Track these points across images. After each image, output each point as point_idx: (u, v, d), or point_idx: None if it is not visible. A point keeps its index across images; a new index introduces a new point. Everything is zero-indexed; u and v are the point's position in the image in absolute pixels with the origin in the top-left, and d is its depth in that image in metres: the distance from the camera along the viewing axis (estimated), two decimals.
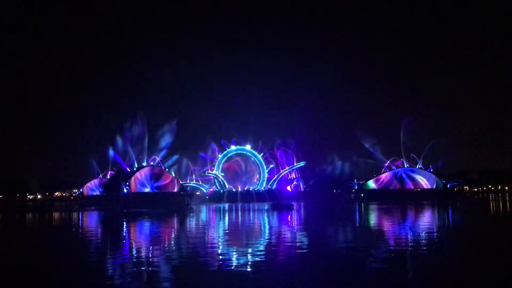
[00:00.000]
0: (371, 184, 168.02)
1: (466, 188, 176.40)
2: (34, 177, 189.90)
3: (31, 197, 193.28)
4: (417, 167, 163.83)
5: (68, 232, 46.95)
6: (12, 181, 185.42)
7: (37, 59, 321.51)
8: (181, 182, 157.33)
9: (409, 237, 33.33)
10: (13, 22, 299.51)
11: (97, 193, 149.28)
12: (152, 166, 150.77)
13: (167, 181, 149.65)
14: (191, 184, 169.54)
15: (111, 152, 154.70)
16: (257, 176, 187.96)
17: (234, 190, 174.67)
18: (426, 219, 53.39)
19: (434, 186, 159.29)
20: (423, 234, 34.83)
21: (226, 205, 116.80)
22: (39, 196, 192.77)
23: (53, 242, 35.88)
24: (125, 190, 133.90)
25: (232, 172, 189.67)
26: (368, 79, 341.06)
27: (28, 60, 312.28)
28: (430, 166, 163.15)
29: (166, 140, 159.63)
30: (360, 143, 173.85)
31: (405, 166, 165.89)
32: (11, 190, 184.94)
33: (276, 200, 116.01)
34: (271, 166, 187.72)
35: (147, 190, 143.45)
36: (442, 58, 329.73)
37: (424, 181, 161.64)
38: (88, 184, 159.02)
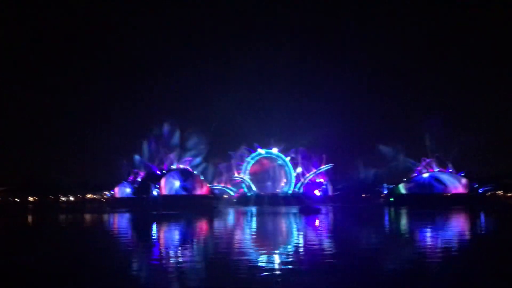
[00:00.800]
0: (401, 188, 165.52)
1: (500, 193, 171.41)
2: (67, 179, 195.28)
3: (64, 198, 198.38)
4: (449, 170, 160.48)
5: (100, 233, 48.20)
6: (45, 183, 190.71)
7: (70, 63, 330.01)
8: (209, 185, 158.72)
9: (440, 243, 32.94)
10: (41, 24, 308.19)
11: (128, 195, 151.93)
12: (182, 169, 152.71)
13: (196, 183, 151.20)
14: (218, 187, 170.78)
15: (138, 157, 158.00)
16: (285, 180, 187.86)
17: (261, 193, 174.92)
18: (457, 225, 52.46)
19: (466, 191, 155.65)
20: (455, 241, 34.34)
21: (253, 209, 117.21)
22: (71, 198, 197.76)
23: (85, 243, 36.94)
24: (155, 193, 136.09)
25: (260, 175, 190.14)
26: (395, 78, 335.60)
27: (62, 65, 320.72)
28: (461, 170, 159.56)
29: (195, 143, 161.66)
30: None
31: (436, 170, 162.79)
32: (45, 192, 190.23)
33: (304, 204, 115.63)
34: (299, 169, 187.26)
35: (176, 192, 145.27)
36: (475, 48, 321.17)
37: (455, 185, 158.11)
38: (119, 187, 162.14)
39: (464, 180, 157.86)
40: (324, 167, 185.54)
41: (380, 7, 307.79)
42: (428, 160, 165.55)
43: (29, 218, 79.06)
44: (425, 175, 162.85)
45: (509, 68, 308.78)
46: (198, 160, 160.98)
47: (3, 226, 60.22)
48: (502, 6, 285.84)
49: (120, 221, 66.91)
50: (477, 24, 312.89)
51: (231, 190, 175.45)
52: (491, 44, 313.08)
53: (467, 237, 37.01)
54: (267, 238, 38.53)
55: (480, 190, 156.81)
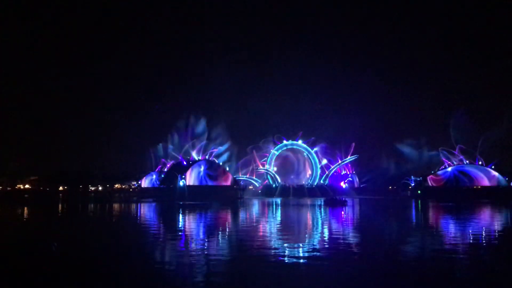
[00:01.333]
0: (429, 181, 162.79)
1: None
2: (96, 169, 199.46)
3: (93, 188, 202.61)
4: (479, 163, 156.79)
5: (128, 222, 49.09)
6: (75, 173, 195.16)
7: (101, 55, 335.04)
8: (234, 176, 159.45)
9: (467, 237, 32.32)
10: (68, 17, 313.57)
11: (154, 185, 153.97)
12: (207, 160, 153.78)
13: (221, 174, 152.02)
14: (243, 178, 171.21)
15: (165, 147, 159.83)
16: (310, 171, 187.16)
17: (286, 185, 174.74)
18: (486, 219, 51.26)
19: (496, 184, 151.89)
20: (483, 235, 33.62)
21: (279, 200, 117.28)
22: (100, 188, 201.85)
23: (114, 231, 37.66)
24: (181, 183, 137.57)
25: (285, 167, 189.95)
26: (421, 72, 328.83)
27: (94, 57, 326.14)
28: (492, 162, 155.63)
29: (221, 135, 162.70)
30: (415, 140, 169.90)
31: (465, 163, 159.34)
32: (74, 182, 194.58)
33: (329, 196, 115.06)
34: (324, 161, 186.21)
35: (201, 183, 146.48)
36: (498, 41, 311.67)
37: (484, 178, 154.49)
38: (146, 177, 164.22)
39: (494, 173, 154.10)
40: (349, 158, 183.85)
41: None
42: (456, 152, 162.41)
43: (59, 207, 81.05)
44: (453, 168, 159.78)
45: None
46: (223, 150, 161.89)
47: (35, 214, 61.94)
48: None
49: (147, 211, 67.93)
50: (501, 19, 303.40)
51: (256, 181, 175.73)
52: None
53: (490, 232, 36.13)
54: (291, 230, 38.51)
55: (511, 183, 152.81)
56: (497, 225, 42.37)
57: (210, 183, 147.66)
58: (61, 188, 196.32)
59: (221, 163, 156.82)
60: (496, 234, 34.47)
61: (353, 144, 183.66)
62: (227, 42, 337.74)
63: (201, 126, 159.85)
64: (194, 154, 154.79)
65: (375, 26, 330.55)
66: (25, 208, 74.16)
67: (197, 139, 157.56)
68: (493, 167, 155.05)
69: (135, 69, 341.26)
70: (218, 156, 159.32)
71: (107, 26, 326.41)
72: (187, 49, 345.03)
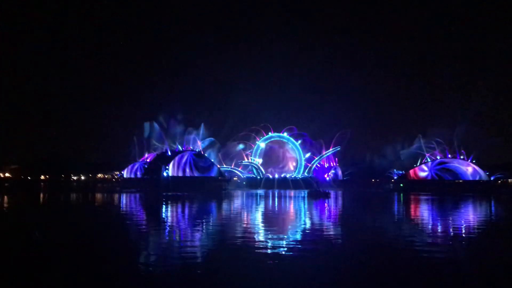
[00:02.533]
0: (411, 174, 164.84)
1: (511, 181, 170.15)
2: (79, 159, 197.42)
3: (75, 178, 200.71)
4: (461, 157, 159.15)
5: (111, 212, 48.77)
6: (57, 162, 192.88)
7: (86, 47, 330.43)
8: (219, 167, 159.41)
9: (448, 229, 32.86)
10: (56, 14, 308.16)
11: (138, 175, 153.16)
12: (192, 150, 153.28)
13: (206, 165, 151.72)
14: (227, 169, 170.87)
15: (149, 137, 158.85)
16: (294, 164, 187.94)
17: (270, 176, 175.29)
18: (466, 212, 52.13)
19: (477, 178, 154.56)
20: (463, 227, 34.20)
21: (263, 192, 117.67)
22: (82, 178, 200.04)
23: (96, 221, 37.41)
24: (165, 174, 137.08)
25: (269, 158, 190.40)
26: (400, 69, 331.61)
27: (78, 48, 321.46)
28: (473, 157, 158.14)
29: (206, 126, 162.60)
30: (400, 133, 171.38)
31: (447, 157, 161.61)
32: (56, 171, 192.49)
33: (313, 188, 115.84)
34: (309, 154, 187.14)
35: (186, 174, 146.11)
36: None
37: (466, 172, 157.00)
38: (130, 167, 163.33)
39: (475, 167, 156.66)
40: (332, 150, 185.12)
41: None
42: (439, 146, 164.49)
43: (41, 196, 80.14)
44: (435, 161, 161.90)
45: None
46: (208, 141, 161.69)
47: (15, 203, 61.17)
48: None
49: (130, 201, 67.58)
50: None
51: (240, 172, 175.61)
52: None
53: (471, 224, 36.81)
54: (273, 221, 38.71)
55: (492, 177, 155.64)
56: (475, 218, 43.11)
57: (195, 174, 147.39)
58: (42, 177, 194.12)
59: (206, 154, 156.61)
60: (474, 227, 35.06)
61: (338, 134, 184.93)
62: (213, 35, 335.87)
63: (186, 117, 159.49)
64: (179, 145, 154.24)
65: (361, 23, 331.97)
66: (5, 197, 73.12)
67: (182, 130, 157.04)
68: (474, 161, 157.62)
69: (121, 56, 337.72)
70: (203, 147, 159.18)
71: (91, 13, 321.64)
72: (175, 39, 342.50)
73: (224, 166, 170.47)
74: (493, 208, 59.18)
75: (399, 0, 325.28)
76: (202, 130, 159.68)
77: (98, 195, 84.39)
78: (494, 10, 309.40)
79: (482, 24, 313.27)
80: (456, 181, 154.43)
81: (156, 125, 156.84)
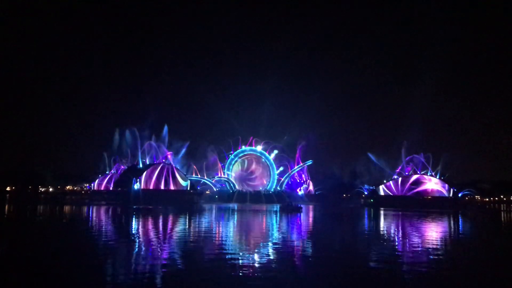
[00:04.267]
0: (381, 189, 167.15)
1: (478, 198, 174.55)
2: (47, 170, 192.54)
3: (43, 189, 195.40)
4: (428, 174, 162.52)
5: (78, 226, 47.59)
6: (25, 173, 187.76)
7: (53, 54, 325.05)
8: (190, 177, 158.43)
9: (415, 245, 33.29)
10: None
11: (108, 188, 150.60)
12: (164, 163, 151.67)
13: (177, 178, 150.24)
14: (198, 179, 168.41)
15: (120, 150, 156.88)
16: (267, 178, 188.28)
17: (243, 190, 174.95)
18: (434, 227, 53.03)
19: (445, 194, 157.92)
20: (431, 242, 34.71)
21: (235, 206, 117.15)
22: (51, 189, 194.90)
23: (63, 235, 36.45)
24: (135, 186, 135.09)
25: (242, 172, 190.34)
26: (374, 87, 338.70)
27: (45, 55, 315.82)
28: (441, 174, 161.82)
29: (179, 139, 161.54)
30: (369, 151, 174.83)
31: (417, 173, 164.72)
32: (24, 182, 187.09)
33: (285, 202, 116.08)
34: (281, 168, 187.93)
35: (157, 187, 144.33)
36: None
37: (435, 189, 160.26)
38: (99, 179, 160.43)
39: (444, 184, 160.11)
40: (304, 164, 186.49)
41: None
42: (409, 164, 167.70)
43: (5, 208, 77.71)
44: (405, 177, 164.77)
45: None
46: (180, 154, 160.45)
47: None
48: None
49: (98, 214, 66.17)
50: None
51: (212, 184, 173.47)
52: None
53: (437, 238, 37.43)
54: (244, 237, 38.50)
55: (460, 194, 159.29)
56: (439, 233, 43.88)
57: (166, 187, 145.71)
58: (8, 188, 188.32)
59: (177, 167, 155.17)
60: (438, 241, 35.64)
61: (301, 147, 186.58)
62: (188, 43, 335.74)
63: (159, 129, 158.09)
64: (150, 158, 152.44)
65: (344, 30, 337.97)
66: None
67: (154, 142, 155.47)
68: (443, 178, 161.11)
69: (96, 65, 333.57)
70: (175, 160, 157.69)
71: (75, 17, 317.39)
72: (147, 50, 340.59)
73: (195, 176, 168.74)
74: (460, 224, 60.44)
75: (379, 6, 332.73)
76: (165, 132, 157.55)
77: (66, 208, 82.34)
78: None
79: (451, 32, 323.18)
80: (426, 197, 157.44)
81: (127, 137, 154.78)
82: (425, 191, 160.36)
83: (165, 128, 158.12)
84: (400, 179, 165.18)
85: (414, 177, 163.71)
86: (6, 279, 17.48)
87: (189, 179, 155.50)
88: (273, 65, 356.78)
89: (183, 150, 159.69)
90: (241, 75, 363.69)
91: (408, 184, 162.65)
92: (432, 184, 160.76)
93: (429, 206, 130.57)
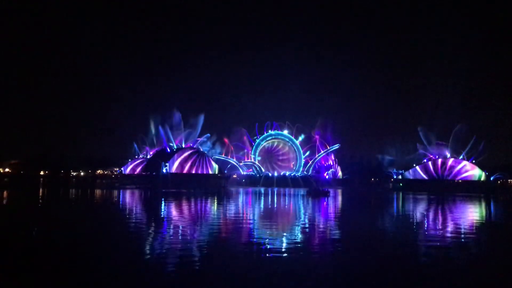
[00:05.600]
0: (411, 173, 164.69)
1: (510, 182, 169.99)
2: (79, 155, 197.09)
3: (74, 174, 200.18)
4: (460, 157, 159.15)
5: (109, 208, 48.62)
6: (57, 157, 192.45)
7: (86, 41, 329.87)
8: (219, 157, 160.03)
9: (445, 229, 32.69)
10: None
11: (138, 172, 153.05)
12: (192, 147, 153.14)
13: (205, 163, 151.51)
14: (222, 158, 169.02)
15: (150, 134, 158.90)
16: (294, 162, 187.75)
17: (270, 174, 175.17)
18: (465, 212, 51.97)
19: (477, 178, 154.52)
20: (460, 227, 34.03)
21: (262, 189, 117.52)
22: (82, 173, 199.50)
23: (96, 218, 37.26)
24: (164, 170, 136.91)
25: (269, 156, 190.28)
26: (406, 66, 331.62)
27: (78, 42, 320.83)
28: (473, 157, 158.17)
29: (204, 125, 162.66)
30: (406, 132, 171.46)
31: (448, 156, 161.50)
32: (56, 167, 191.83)
33: (312, 186, 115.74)
34: (308, 152, 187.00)
35: (185, 171, 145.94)
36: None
37: (467, 173, 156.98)
38: (129, 163, 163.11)
39: (475, 168, 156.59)
40: (331, 148, 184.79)
41: None
42: (440, 146, 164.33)
43: (40, 192, 79.97)
44: (437, 161, 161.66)
45: None
46: (206, 137, 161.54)
47: (15, 199, 60.99)
48: None
49: (129, 198, 67.40)
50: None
51: (236, 163, 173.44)
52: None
53: (472, 223, 36.62)
54: (271, 219, 38.55)
55: (492, 178, 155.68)
56: (475, 218, 42.95)
57: (194, 171, 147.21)
58: (42, 172, 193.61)
59: (205, 151, 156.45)
60: (474, 227, 34.89)
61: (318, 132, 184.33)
62: (208, 33, 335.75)
63: (186, 114, 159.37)
64: (179, 142, 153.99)
65: (359, 10, 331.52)
66: (5, 192, 72.96)
67: (182, 127, 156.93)
68: (474, 162, 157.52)
69: (121, 53, 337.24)
70: (203, 144, 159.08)
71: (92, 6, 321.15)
72: (172, 41, 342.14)
73: (224, 156, 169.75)
74: (491, 208, 59.06)
75: None
76: (201, 121, 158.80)
77: (97, 191, 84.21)
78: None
79: (481, 21, 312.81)
80: (456, 180, 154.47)
81: (157, 122, 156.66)
82: (456, 175, 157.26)
83: (202, 118, 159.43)
84: (430, 162, 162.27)
85: (445, 160, 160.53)
86: (41, 261, 17.92)
87: (218, 158, 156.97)
88: (298, 49, 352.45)
89: (205, 139, 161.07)
90: (266, 52, 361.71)
91: (438, 168, 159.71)
92: (464, 167, 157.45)
93: (460, 190, 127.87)
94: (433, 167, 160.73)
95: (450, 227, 33.43)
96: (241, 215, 40.89)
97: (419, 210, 54.18)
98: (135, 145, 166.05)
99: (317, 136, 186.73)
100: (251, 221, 35.63)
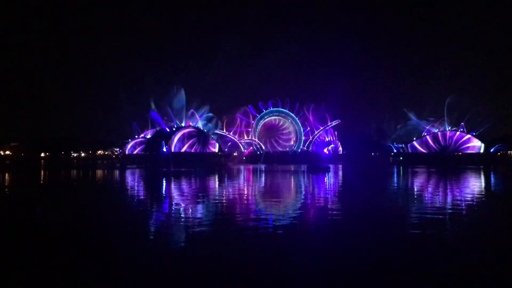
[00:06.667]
0: (411, 147, 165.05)
1: (510, 153, 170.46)
2: (79, 136, 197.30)
3: (75, 155, 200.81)
4: (460, 130, 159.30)
5: (111, 188, 48.94)
6: (57, 139, 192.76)
7: (88, 23, 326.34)
8: (220, 132, 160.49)
9: (446, 201, 32.97)
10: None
11: (138, 151, 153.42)
12: (191, 126, 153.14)
13: (205, 141, 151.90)
14: (229, 136, 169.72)
15: (148, 114, 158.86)
16: (294, 138, 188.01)
17: (270, 151, 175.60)
18: (465, 184, 52.26)
19: (476, 150, 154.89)
20: (461, 199, 34.29)
21: (263, 166, 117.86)
22: (82, 154, 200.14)
23: (98, 198, 37.53)
24: (164, 149, 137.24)
25: (269, 133, 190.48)
26: (400, 41, 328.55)
27: (77, 30, 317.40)
28: (473, 130, 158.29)
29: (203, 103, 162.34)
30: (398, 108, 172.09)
31: (447, 129, 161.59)
32: (56, 148, 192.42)
33: (312, 162, 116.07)
34: (308, 128, 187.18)
35: (185, 150, 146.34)
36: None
37: (466, 145, 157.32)
38: (130, 143, 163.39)
39: (475, 140, 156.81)
40: (331, 124, 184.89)
41: None
42: (437, 120, 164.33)
43: (41, 173, 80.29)
44: (436, 134, 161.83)
45: None
46: (206, 117, 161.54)
47: (16, 180, 61.30)
48: None
49: (130, 177, 67.74)
50: None
51: (237, 141, 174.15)
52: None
53: (473, 195, 36.85)
54: (273, 195, 38.83)
55: (491, 150, 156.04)
56: (472, 190, 43.20)
57: (194, 150, 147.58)
58: (42, 154, 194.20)
59: (204, 130, 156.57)
60: (469, 198, 35.14)
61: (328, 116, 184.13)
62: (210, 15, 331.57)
63: (183, 93, 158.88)
64: (178, 121, 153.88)
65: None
66: (6, 174, 73.28)
67: (181, 106, 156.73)
68: (474, 134, 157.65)
69: (122, 37, 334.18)
70: (203, 123, 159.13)
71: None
72: (172, 23, 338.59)
73: (225, 131, 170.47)
74: (492, 180, 59.40)
75: None
76: (183, 96, 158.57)
77: (98, 172, 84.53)
78: None
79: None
80: (456, 153, 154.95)
81: (155, 102, 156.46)
82: (455, 147, 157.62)
83: (182, 92, 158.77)
84: (429, 136, 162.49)
85: (444, 133, 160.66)
86: (45, 242, 18.13)
87: (220, 135, 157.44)
88: (296, 22, 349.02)
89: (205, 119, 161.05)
90: (264, 26, 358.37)
91: (438, 140, 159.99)
92: (463, 140, 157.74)
93: (459, 163, 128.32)
94: (433, 141, 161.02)
95: (449, 200, 33.71)
96: (240, 193, 41.14)
97: (418, 183, 54.54)
98: (135, 125, 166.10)
99: (310, 117, 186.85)
100: (251, 200, 35.88)
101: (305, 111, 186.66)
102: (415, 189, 45.18)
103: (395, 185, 52.76)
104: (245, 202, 32.37)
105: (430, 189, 44.49)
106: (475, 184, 51.10)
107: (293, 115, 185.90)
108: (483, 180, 58.54)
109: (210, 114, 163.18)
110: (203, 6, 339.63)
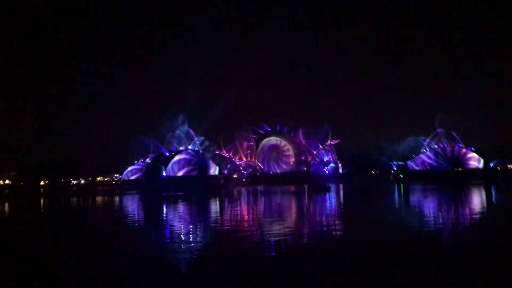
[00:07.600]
0: (410, 164, 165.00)
1: (510, 167, 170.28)
2: (78, 163, 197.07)
3: (74, 182, 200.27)
4: (458, 146, 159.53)
5: (111, 214, 48.62)
6: (56, 166, 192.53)
7: (83, 44, 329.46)
8: (221, 152, 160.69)
9: (448, 218, 32.82)
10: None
11: (138, 177, 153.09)
12: (191, 150, 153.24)
13: (204, 164, 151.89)
14: (223, 154, 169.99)
15: (147, 139, 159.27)
16: (294, 159, 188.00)
17: (270, 172, 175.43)
18: (466, 200, 52.09)
19: (475, 166, 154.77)
20: (465, 216, 34.13)
21: (263, 188, 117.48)
22: (82, 181, 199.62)
23: (97, 225, 37.26)
24: (164, 174, 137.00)
25: (269, 154, 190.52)
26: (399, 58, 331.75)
27: (75, 48, 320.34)
28: (470, 145, 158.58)
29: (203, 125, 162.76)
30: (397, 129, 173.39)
31: (445, 145, 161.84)
32: (55, 176, 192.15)
33: (312, 182, 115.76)
34: (307, 148, 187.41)
35: (185, 173, 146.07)
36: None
37: (465, 161, 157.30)
38: (129, 169, 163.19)
39: (474, 155, 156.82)
40: (330, 143, 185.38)
41: None
42: (437, 135, 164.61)
43: (41, 202, 79.89)
44: (434, 151, 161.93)
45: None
46: (204, 140, 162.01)
47: (15, 210, 60.96)
48: None
49: (130, 203, 67.39)
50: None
51: (237, 162, 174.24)
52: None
53: (474, 212, 36.68)
54: (273, 217, 38.59)
55: (491, 164, 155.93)
56: (473, 206, 43.03)
57: (193, 173, 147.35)
58: (42, 182, 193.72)
59: (204, 153, 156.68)
60: (475, 215, 34.97)
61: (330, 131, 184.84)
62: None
63: (183, 118, 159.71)
64: (177, 145, 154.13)
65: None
66: (6, 204, 72.93)
67: (179, 130, 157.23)
68: (472, 149, 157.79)
69: (117, 61, 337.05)
70: (201, 147, 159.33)
71: (91, 14, 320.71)
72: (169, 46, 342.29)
73: (224, 152, 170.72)
74: (492, 196, 59.18)
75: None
76: (184, 121, 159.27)
77: (98, 199, 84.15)
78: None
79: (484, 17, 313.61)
80: (455, 169, 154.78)
81: (154, 126, 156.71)
82: (454, 163, 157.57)
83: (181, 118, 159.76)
84: (428, 153, 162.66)
85: (442, 149, 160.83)
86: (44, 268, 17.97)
87: (220, 156, 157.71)
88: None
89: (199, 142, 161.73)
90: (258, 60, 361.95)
91: (437, 157, 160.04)
92: (462, 155, 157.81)
93: (460, 178, 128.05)
94: (432, 156, 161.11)
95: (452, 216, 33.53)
96: (242, 216, 40.89)
97: (421, 201, 54.36)
98: (135, 151, 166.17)
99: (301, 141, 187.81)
100: (252, 222, 35.61)
101: (305, 133, 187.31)
102: (427, 212, 44.93)
103: (403, 205, 52.51)
104: (244, 230, 32.09)
105: (445, 214, 44.26)
106: (482, 203, 50.90)
107: (292, 137, 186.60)
108: (487, 198, 58.33)
109: (202, 138, 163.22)
110: (214, 41, 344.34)
